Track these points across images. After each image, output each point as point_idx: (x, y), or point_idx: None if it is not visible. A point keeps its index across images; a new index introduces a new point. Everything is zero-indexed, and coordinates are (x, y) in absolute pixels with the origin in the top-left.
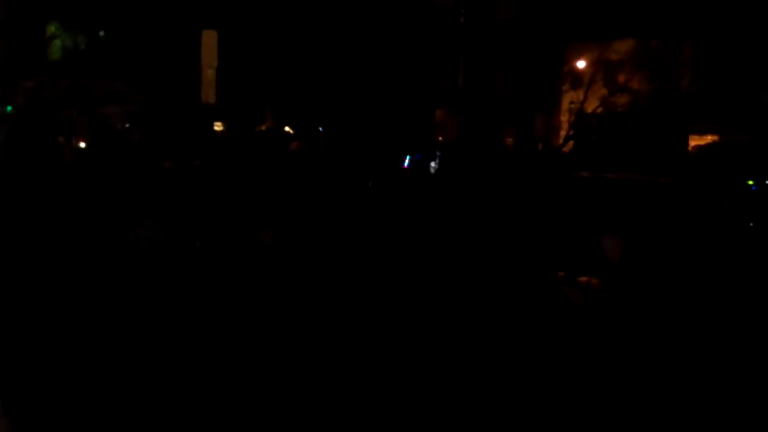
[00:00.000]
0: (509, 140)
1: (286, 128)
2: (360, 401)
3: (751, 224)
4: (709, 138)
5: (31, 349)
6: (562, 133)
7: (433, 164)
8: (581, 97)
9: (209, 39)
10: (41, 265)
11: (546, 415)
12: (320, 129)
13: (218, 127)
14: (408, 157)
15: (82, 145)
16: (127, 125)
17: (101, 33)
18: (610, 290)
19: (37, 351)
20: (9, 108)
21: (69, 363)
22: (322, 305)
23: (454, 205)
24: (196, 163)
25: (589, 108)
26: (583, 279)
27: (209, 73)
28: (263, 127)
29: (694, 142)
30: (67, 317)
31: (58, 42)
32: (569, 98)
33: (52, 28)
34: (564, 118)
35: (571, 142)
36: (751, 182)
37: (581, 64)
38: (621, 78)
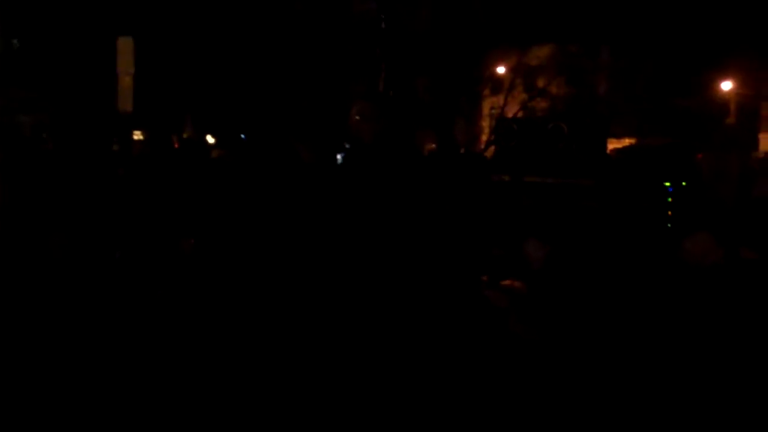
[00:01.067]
0: (431, 145)
1: (208, 137)
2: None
3: (669, 225)
4: (626, 141)
5: None
6: (484, 137)
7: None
8: (502, 102)
9: (125, 46)
10: None
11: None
12: (242, 136)
13: (137, 136)
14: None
15: None
16: (44, 135)
17: (14, 41)
18: (533, 293)
19: None
20: None
21: None
22: (241, 314)
23: (363, 206)
24: (119, 172)
25: (510, 113)
26: (507, 282)
27: (126, 81)
28: (184, 135)
29: (613, 145)
30: None
31: None
32: (490, 103)
33: None
34: (485, 123)
35: (493, 147)
36: (668, 183)
37: (501, 69)
38: (540, 83)
